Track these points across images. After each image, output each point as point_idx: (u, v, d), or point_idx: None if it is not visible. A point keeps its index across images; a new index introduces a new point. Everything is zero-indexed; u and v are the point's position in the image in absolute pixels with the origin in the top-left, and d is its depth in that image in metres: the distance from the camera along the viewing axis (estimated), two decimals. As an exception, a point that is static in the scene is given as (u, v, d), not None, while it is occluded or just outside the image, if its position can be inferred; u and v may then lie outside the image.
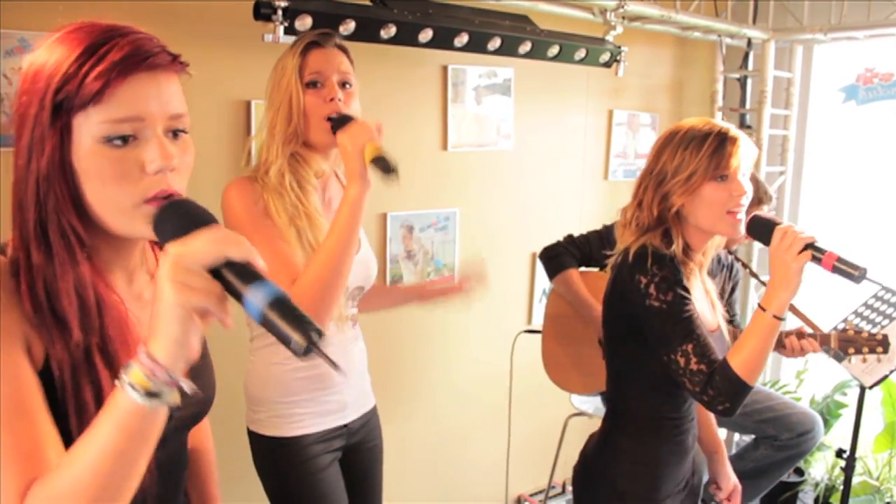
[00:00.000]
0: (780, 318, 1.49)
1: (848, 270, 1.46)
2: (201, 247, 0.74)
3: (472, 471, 3.23)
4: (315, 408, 1.70)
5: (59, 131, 0.84)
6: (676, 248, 1.59)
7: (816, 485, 3.53)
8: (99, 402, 0.85)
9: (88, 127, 0.83)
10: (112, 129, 0.83)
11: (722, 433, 3.91)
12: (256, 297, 0.73)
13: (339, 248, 1.50)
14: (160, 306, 0.74)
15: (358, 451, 1.82)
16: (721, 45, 3.79)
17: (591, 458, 1.75)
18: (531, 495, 3.48)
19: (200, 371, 1.06)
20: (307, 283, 1.49)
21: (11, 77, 1.96)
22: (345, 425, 1.77)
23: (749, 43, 3.73)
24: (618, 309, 1.65)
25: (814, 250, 1.47)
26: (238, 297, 0.75)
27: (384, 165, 1.47)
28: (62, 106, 0.83)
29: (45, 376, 0.86)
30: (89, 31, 0.86)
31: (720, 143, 1.55)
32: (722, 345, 1.68)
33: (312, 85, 1.62)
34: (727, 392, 1.49)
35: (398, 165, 1.47)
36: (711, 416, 1.96)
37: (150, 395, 0.75)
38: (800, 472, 3.55)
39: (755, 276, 2.76)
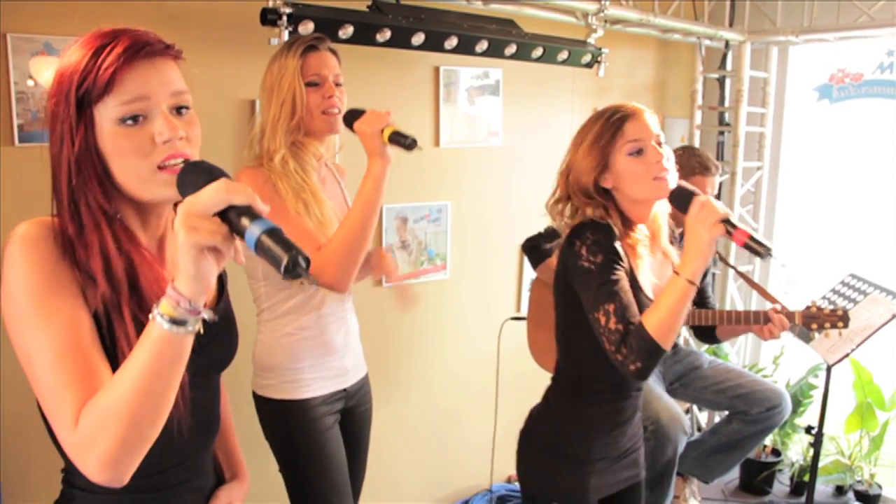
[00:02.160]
0: (693, 283, 1.52)
1: (756, 248, 1.49)
2: (208, 195, 0.87)
3: (464, 450, 3.38)
4: (320, 373, 1.88)
5: (84, 122, 1.01)
6: (613, 222, 1.69)
7: (792, 465, 3.69)
8: (130, 346, 1.00)
9: (106, 112, 1.00)
10: (124, 110, 1.00)
11: (703, 416, 4.10)
12: (254, 229, 0.86)
13: (364, 216, 1.72)
14: (178, 248, 0.88)
15: (353, 413, 1.99)
16: (700, 46, 3.96)
17: (533, 413, 1.86)
18: (521, 475, 3.64)
19: (226, 324, 1.24)
20: (335, 245, 1.70)
21: (36, 77, 2.13)
22: (344, 389, 1.94)
23: (726, 44, 3.90)
24: (562, 279, 1.74)
25: (727, 225, 1.51)
26: (240, 232, 0.87)
27: (401, 138, 1.71)
28: (84, 99, 1.00)
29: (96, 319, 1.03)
30: (98, 35, 1.03)
31: (612, 114, 1.67)
32: None
33: (313, 84, 1.84)
34: (639, 352, 1.53)
35: (415, 137, 1.70)
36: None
37: (176, 322, 0.90)
38: (776, 452, 3.70)
39: (732, 266, 2.93)
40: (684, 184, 1.63)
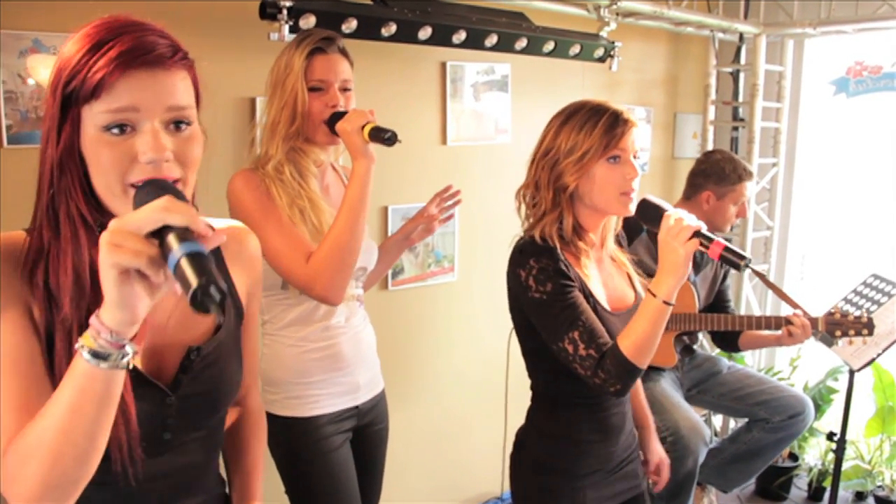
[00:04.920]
0: (668, 304, 1.47)
1: (733, 259, 1.43)
2: (143, 214, 0.78)
3: (476, 456, 3.30)
4: (329, 389, 1.78)
5: (70, 120, 0.90)
6: (566, 229, 1.61)
7: (810, 469, 3.60)
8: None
9: (92, 116, 0.89)
10: (110, 118, 0.88)
11: (718, 419, 4.01)
12: (177, 251, 0.76)
13: (352, 219, 1.62)
14: (101, 270, 0.78)
15: (366, 433, 1.89)
16: (713, 39, 3.86)
17: (520, 435, 1.79)
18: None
19: (212, 367, 1.09)
20: (324, 254, 1.61)
21: (25, 76, 2.03)
22: (356, 407, 1.84)
23: (741, 37, 3.81)
24: (516, 309, 1.67)
25: (702, 238, 1.45)
26: (166, 255, 0.77)
27: (381, 133, 1.63)
28: (70, 97, 0.89)
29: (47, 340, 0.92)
30: (103, 27, 0.91)
31: (612, 124, 1.57)
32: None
33: (316, 89, 1.72)
34: (617, 374, 1.50)
35: (394, 131, 1.63)
36: (640, 391, 2.00)
37: (96, 355, 0.80)
38: (794, 457, 3.62)
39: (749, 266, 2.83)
40: (650, 197, 1.56)
